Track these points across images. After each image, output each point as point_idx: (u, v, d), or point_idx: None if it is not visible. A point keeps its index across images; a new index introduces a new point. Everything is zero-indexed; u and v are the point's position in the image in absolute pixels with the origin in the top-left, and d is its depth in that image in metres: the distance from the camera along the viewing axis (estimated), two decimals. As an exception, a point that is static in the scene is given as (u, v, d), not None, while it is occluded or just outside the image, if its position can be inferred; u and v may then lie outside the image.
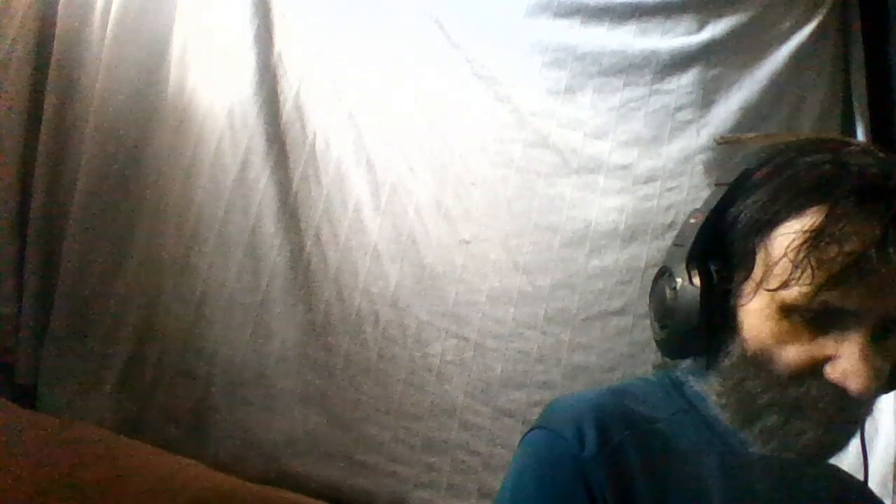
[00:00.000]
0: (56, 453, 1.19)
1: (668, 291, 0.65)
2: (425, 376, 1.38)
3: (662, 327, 0.66)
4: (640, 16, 1.48)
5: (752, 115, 1.45)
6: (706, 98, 1.46)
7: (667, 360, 0.70)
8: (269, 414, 1.37)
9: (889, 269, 0.54)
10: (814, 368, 0.58)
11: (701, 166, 1.43)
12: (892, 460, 1.29)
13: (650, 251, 1.39)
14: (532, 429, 0.65)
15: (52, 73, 1.40)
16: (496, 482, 0.65)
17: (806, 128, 1.44)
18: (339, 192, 1.46)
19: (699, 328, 0.62)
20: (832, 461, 0.64)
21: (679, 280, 0.64)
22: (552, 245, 1.42)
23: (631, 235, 1.41)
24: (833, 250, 0.55)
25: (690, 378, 0.67)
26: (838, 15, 1.51)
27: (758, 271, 0.60)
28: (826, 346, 0.57)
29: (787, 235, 0.58)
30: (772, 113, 1.45)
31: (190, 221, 1.42)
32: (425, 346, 1.39)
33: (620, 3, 1.48)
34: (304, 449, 1.36)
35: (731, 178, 0.65)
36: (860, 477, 0.69)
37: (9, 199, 1.38)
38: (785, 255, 0.57)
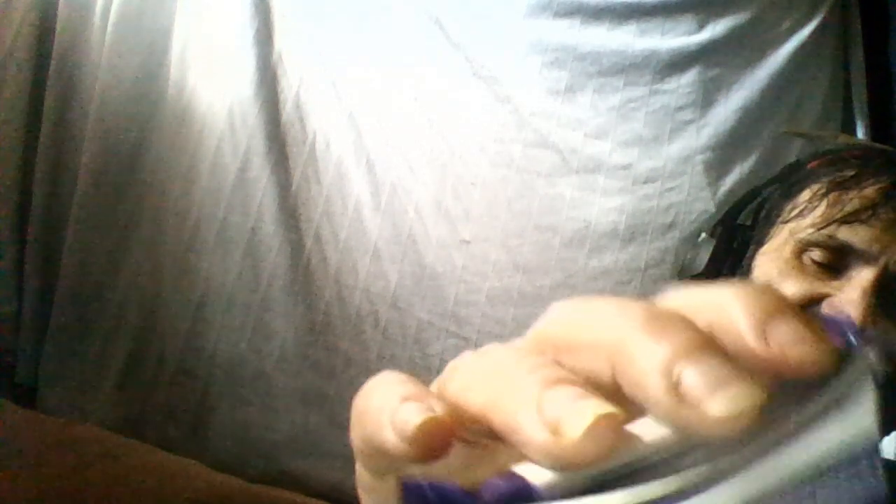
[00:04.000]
0: (56, 453, 1.19)
1: (692, 249, 0.68)
2: (425, 376, 1.36)
3: (680, 279, 0.68)
4: (640, 16, 1.48)
5: (752, 115, 1.45)
6: (706, 98, 1.46)
7: None
8: (269, 414, 1.37)
9: None
10: (810, 306, 0.58)
11: (701, 166, 1.43)
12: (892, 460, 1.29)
13: (650, 251, 1.39)
14: None
15: (52, 73, 1.39)
16: (496, 482, 0.66)
17: (806, 128, 1.45)
18: (339, 192, 1.46)
19: (705, 273, 0.64)
20: None
21: (703, 234, 0.67)
22: (552, 245, 1.42)
23: (631, 235, 1.41)
24: (852, 193, 0.57)
25: None
26: (838, 15, 1.51)
27: (785, 216, 0.62)
28: (829, 287, 0.57)
29: (818, 183, 0.60)
30: (772, 113, 1.46)
31: (190, 221, 1.42)
32: (425, 346, 1.39)
33: (620, 3, 1.48)
34: (304, 449, 1.36)
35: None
36: None
37: (9, 199, 1.37)
38: (810, 193, 0.59)
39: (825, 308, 0.55)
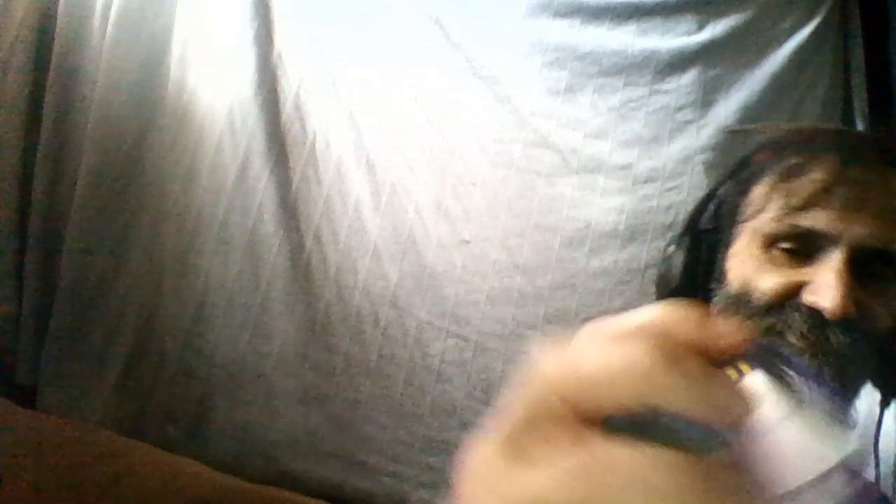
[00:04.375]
0: (56, 453, 1.19)
1: (663, 263, 0.68)
2: (425, 376, 1.38)
3: (658, 296, 0.68)
4: (640, 16, 1.48)
5: (752, 116, 1.44)
6: (706, 98, 1.45)
7: None
8: (269, 414, 1.37)
9: (854, 189, 0.56)
10: (791, 296, 0.58)
11: (701, 166, 1.43)
12: (892, 460, 1.29)
13: (650, 251, 1.39)
14: None
15: (52, 73, 1.40)
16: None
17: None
18: (339, 192, 1.46)
19: (682, 287, 0.64)
20: None
21: (671, 248, 0.67)
22: (552, 245, 1.42)
23: (631, 235, 1.41)
24: (802, 179, 0.57)
25: None
26: (838, 15, 1.51)
27: (743, 215, 0.62)
28: (805, 273, 0.58)
29: (768, 176, 0.60)
30: (772, 113, 1.45)
31: (190, 221, 1.42)
32: (425, 346, 1.39)
33: (620, 3, 1.48)
34: (304, 449, 1.36)
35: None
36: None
37: (9, 199, 1.37)
38: (763, 188, 0.60)
39: (805, 296, 0.55)
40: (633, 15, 1.48)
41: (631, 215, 1.42)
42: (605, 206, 1.42)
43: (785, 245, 0.58)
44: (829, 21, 1.49)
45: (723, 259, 0.64)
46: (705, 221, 0.68)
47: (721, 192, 0.68)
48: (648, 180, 1.43)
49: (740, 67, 1.46)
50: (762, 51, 1.47)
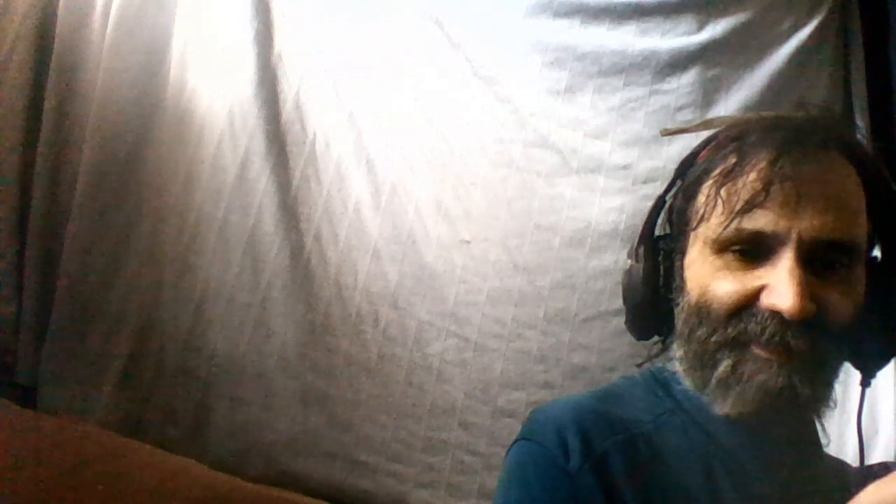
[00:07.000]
0: (56, 453, 1.19)
1: (624, 277, 0.68)
2: (425, 376, 1.38)
3: (626, 311, 0.69)
4: (640, 16, 1.48)
5: (753, 116, 1.45)
6: (706, 98, 1.46)
7: (651, 355, 0.70)
8: (269, 414, 1.37)
9: (791, 186, 0.56)
10: (749, 301, 0.58)
11: (701, 166, 1.43)
12: (892, 460, 1.29)
13: (650, 251, 1.39)
14: (516, 441, 0.64)
15: (52, 73, 1.40)
16: (496, 482, 0.65)
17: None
18: (339, 192, 1.46)
19: (646, 300, 0.65)
20: (835, 454, 0.64)
21: (630, 262, 0.68)
22: (552, 245, 1.42)
23: (631, 235, 1.40)
24: (740, 182, 0.57)
25: (668, 367, 0.67)
26: (838, 15, 1.51)
27: (692, 223, 0.63)
28: (759, 276, 0.58)
29: (710, 179, 0.60)
30: (772, 113, 1.45)
31: (190, 221, 1.42)
32: (425, 346, 1.39)
33: (620, 3, 1.48)
34: (304, 449, 1.36)
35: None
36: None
37: (9, 199, 1.38)
38: (704, 196, 0.60)
39: (763, 299, 0.55)
40: (633, 15, 1.48)
41: (631, 215, 1.42)
42: (605, 206, 1.43)
43: (736, 248, 0.59)
44: (829, 21, 1.49)
45: (681, 267, 0.64)
46: (659, 228, 0.69)
47: (670, 196, 0.69)
48: (648, 180, 1.43)
49: (740, 67, 1.46)
50: (762, 51, 1.47)
